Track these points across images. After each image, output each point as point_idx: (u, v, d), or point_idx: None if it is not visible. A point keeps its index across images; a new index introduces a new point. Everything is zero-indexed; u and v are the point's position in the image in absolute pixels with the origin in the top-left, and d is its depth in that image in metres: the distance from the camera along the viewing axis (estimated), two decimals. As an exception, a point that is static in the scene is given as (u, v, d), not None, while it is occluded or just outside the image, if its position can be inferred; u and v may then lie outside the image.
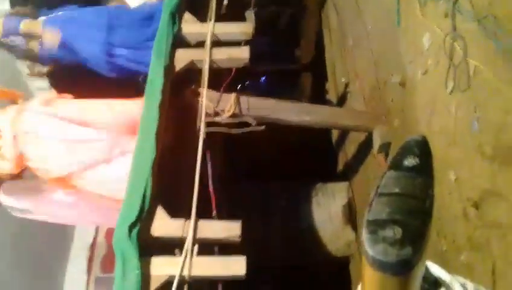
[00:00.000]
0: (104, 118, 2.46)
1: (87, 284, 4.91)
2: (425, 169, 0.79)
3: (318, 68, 4.55)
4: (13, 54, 3.04)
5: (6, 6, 3.90)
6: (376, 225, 0.67)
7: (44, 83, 4.35)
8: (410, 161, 0.79)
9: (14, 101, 2.59)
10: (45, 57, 2.99)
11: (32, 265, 4.36)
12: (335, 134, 3.85)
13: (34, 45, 2.91)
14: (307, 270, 3.44)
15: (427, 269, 0.84)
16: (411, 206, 0.72)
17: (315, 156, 3.80)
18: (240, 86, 2.77)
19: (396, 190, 0.74)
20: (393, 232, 0.66)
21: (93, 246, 5.19)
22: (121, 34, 2.83)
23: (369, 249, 0.65)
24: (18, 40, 2.91)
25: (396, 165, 0.78)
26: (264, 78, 4.96)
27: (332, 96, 3.98)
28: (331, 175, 3.61)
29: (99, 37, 2.81)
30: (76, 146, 2.37)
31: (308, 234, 3.19)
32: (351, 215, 3.27)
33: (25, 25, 2.89)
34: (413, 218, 0.70)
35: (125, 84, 2.84)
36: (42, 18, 2.93)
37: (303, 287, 3.46)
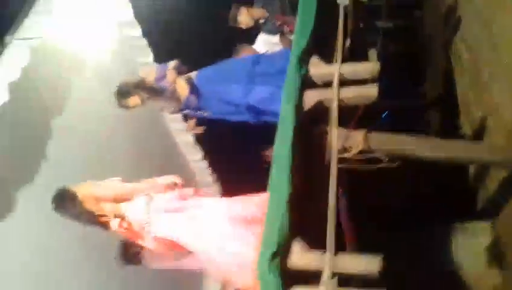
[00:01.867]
0: None
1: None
2: None
3: (447, 104, 4.36)
4: (159, 99, 3.43)
5: (150, 59, 4.46)
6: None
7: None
8: None
9: None
10: (187, 105, 3.34)
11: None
12: (472, 170, 3.62)
13: (181, 94, 3.28)
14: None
15: None
16: None
17: (451, 195, 3.60)
18: (366, 122, 2.79)
19: None
20: None
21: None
22: (260, 77, 3.06)
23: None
24: (166, 85, 3.30)
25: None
26: (386, 114, 4.87)
27: (466, 131, 3.78)
28: (470, 215, 3.38)
29: (241, 81, 3.07)
30: None
31: (449, 277, 2.99)
32: (496, 257, 3.01)
33: (169, 72, 3.29)
34: None
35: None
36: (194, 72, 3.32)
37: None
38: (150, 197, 2.68)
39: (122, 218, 2.65)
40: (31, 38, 3.45)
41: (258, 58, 3.29)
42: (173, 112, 3.64)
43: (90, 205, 2.64)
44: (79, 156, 3.65)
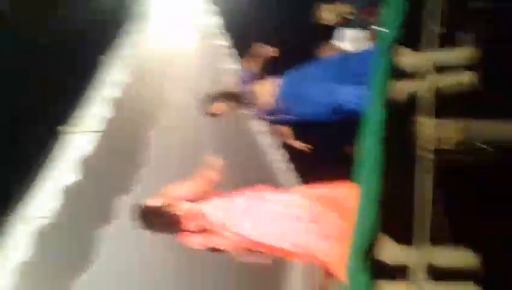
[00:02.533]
0: None
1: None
2: None
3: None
4: (242, 106, 3.48)
5: (235, 66, 4.55)
6: None
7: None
8: None
9: None
10: (270, 111, 3.37)
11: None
12: None
13: (262, 100, 3.32)
14: None
15: None
16: None
17: None
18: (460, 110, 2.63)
19: None
20: None
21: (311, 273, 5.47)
22: (348, 77, 3.01)
23: None
24: (248, 95, 3.36)
25: None
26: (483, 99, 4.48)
27: None
28: None
29: (326, 83, 3.05)
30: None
31: None
32: None
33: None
34: None
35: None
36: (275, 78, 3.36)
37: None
38: (230, 197, 2.76)
39: (201, 217, 2.72)
40: (128, 57, 3.68)
41: (344, 58, 3.23)
42: (258, 118, 3.68)
43: (169, 209, 2.73)
44: (172, 163, 3.82)
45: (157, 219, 2.74)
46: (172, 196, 2.78)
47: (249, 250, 2.73)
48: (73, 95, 3.51)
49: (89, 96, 3.50)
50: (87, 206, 3.33)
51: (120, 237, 3.36)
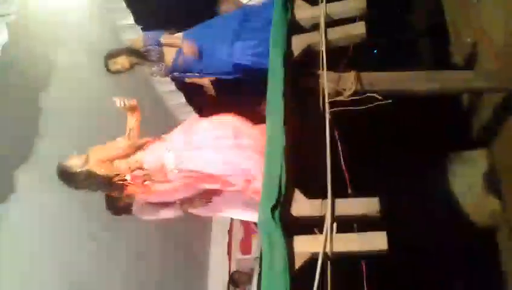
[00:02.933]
0: None
1: (229, 265, 5.40)
2: None
3: (437, 33, 4.30)
4: (147, 63, 3.36)
5: (130, 21, 4.34)
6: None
7: (172, 86, 4.78)
8: None
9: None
10: (176, 68, 3.30)
11: (181, 251, 4.91)
12: (466, 99, 3.62)
13: (168, 58, 3.24)
14: (448, 245, 3.30)
15: None
16: None
17: (445, 126, 3.61)
18: (357, 62, 2.78)
19: None
20: None
21: (230, 231, 5.72)
22: (247, 34, 3.02)
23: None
24: (154, 52, 3.25)
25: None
26: (375, 51, 4.78)
27: (458, 60, 3.74)
28: (466, 144, 3.40)
29: (227, 40, 3.04)
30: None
31: (447, 207, 3.06)
32: (493, 183, 3.07)
33: (166, 38, 3.23)
34: None
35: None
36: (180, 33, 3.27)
37: (447, 263, 3.33)
38: (164, 139, 2.74)
39: (141, 168, 2.67)
40: (7, 15, 3.34)
41: (245, 14, 3.21)
42: (163, 76, 3.58)
43: (103, 170, 2.64)
44: (73, 127, 3.62)
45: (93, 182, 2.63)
46: (99, 158, 2.65)
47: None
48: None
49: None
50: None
51: (25, 209, 3.18)
